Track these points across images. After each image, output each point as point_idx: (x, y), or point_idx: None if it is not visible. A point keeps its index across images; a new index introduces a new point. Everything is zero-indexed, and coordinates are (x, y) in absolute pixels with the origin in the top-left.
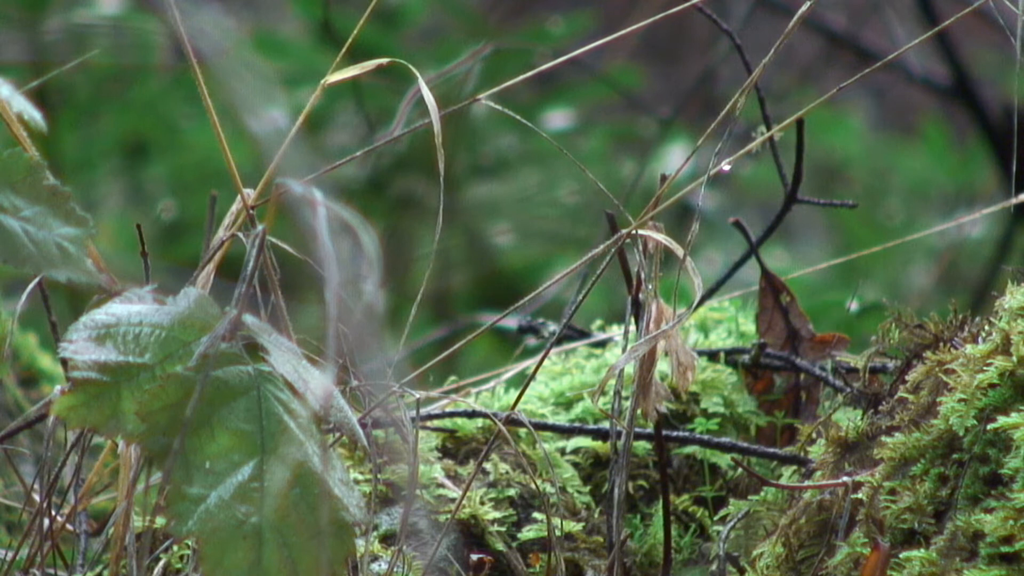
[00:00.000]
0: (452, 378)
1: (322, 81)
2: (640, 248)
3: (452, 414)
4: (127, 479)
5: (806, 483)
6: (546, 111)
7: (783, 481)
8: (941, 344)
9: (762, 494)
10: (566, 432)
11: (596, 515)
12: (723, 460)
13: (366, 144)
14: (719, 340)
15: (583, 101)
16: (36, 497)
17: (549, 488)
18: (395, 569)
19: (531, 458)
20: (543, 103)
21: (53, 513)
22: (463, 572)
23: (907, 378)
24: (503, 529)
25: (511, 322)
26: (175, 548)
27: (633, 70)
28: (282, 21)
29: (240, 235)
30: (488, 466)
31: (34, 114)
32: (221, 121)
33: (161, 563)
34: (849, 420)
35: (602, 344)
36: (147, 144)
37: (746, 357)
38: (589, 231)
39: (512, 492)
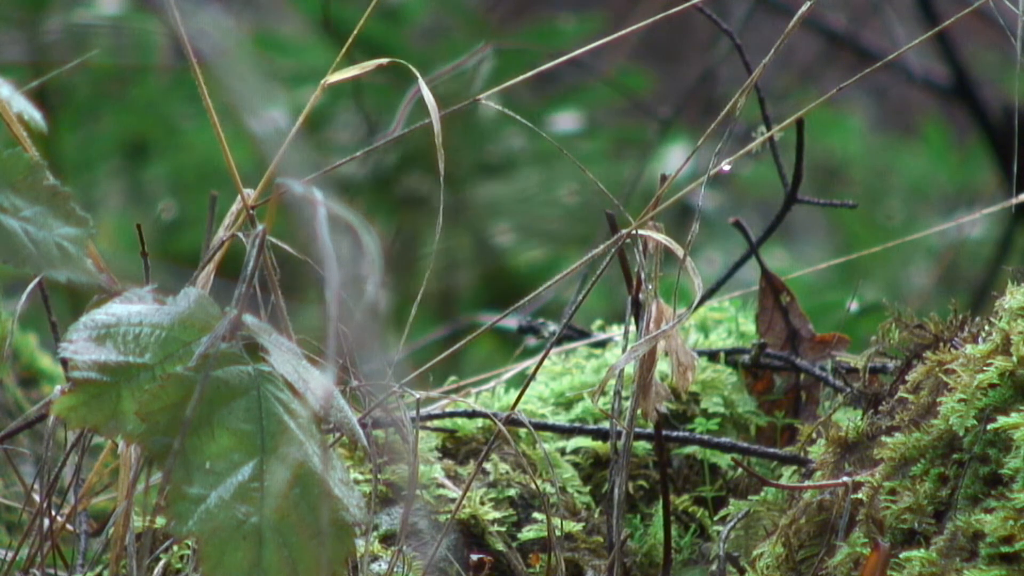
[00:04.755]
0: (452, 378)
1: (322, 81)
2: (640, 248)
3: (452, 414)
4: (127, 479)
5: (806, 483)
6: (550, 113)
7: (783, 481)
8: (941, 344)
9: (762, 494)
10: (566, 432)
11: (596, 515)
12: (723, 460)
13: (367, 144)
14: (719, 340)
15: (587, 103)
16: (36, 497)
17: (549, 488)
18: (395, 569)
19: (531, 458)
20: (547, 105)
21: (53, 513)
22: (463, 572)
23: (907, 378)
24: (503, 529)
25: (511, 322)
26: (175, 548)
27: (638, 72)
28: (282, 21)
29: (240, 235)
30: (488, 466)
31: (34, 114)
32: (221, 121)
33: (161, 563)
34: (849, 420)
35: (602, 344)
36: (147, 144)
37: (746, 357)
38: (590, 231)
39: (512, 492)
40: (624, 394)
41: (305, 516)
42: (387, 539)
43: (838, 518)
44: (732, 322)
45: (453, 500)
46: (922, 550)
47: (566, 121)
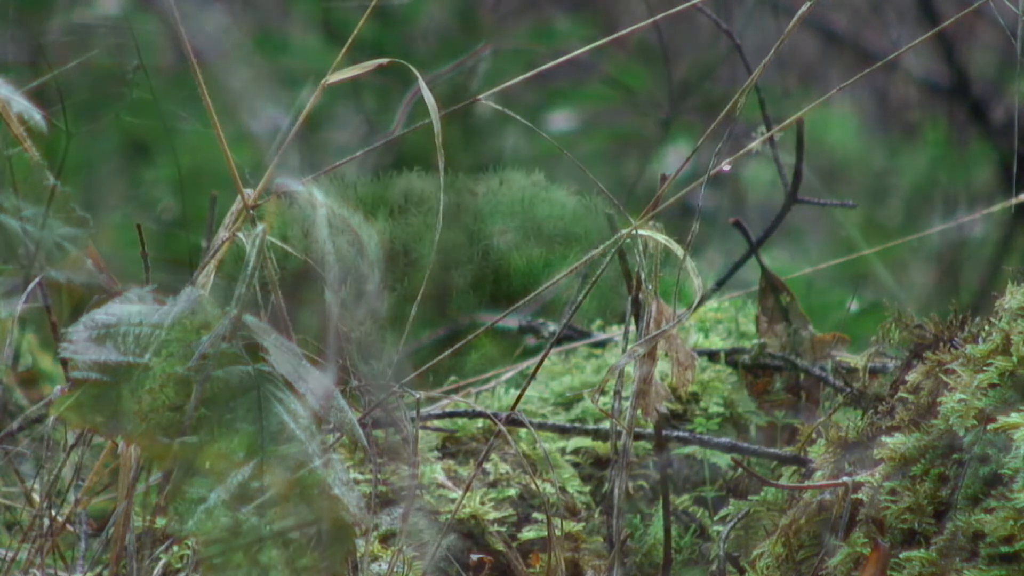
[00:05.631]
0: (452, 378)
1: (322, 81)
2: (640, 248)
3: (452, 414)
4: (127, 479)
5: (806, 483)
6: (549, 112)
7: (783, 481)
8: (941, 344)
9: (762, 494)
10: (566, 432)
11: (596, 515)
12: (723, 460)
13: (366, 143)
14: (719, 340)
15: (585, 102)
16: (36, 497)
17: (549, 488)
18: (395, 569)
19: (531, 458)
20: (546, 104)
21: (53, 513)
22: (463, 572)
23: (907, 378)
24: (503, 529)
25: (511, 322)
26: (175, 548)
27: (635, 70)
28: (282, 21)
29: (240, 235)
30: (488, 466)
31: (34, 114)
32: (221, 121)
33: (161, 563)
34: (849, 420)
35: (602, 344)
36: (147, 144)
37: (746, 357)
38: (589, 231)
39: (512, 492)
40: (624, 394)
41: (305, 516)
42: (387, 539)
43: (838, 518)
44: (732, 322)
45: (453, 500)
46: (922, 550)
47: (560, 120)
